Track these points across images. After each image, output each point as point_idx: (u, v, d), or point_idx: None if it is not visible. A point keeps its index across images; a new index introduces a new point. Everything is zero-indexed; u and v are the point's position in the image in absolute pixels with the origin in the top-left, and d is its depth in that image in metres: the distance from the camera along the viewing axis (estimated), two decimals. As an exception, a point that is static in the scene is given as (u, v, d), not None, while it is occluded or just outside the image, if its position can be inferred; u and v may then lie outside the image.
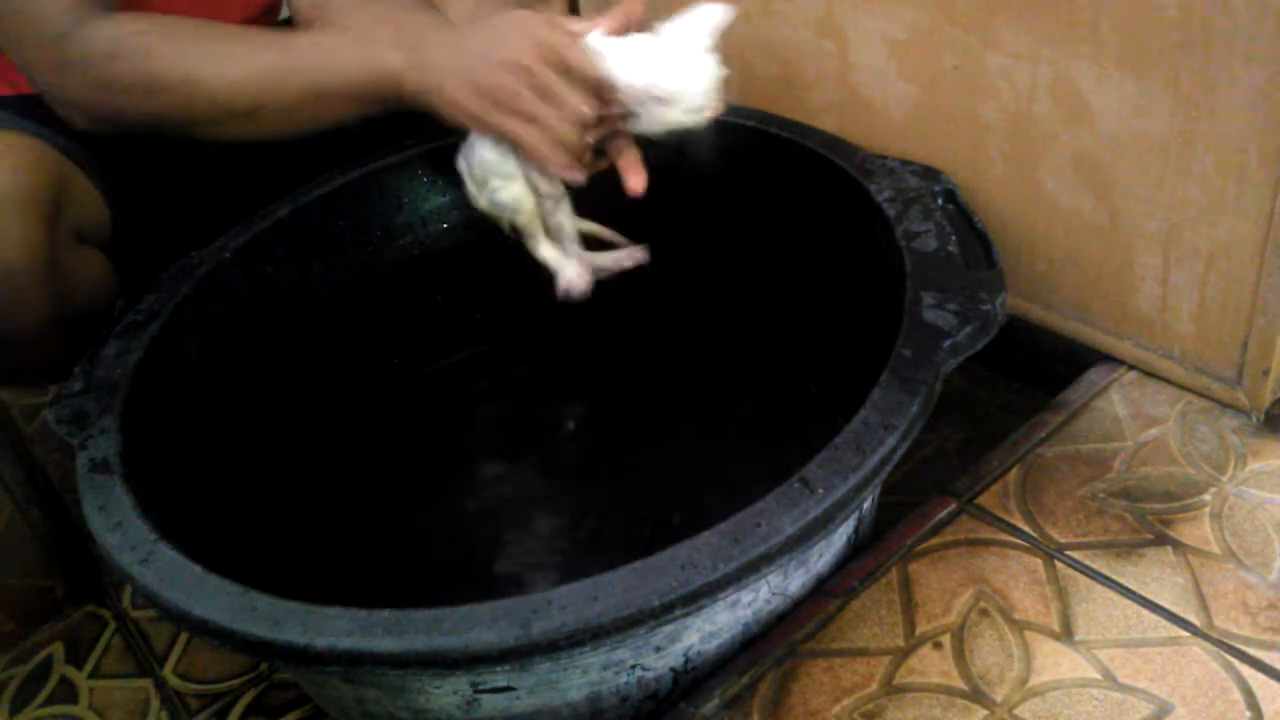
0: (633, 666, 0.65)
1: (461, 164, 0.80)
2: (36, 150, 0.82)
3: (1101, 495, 0.78)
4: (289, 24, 1.01)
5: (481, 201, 0.81)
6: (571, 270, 0.83)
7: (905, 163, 0.87)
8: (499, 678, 0.63)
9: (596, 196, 0.83)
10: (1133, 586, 0.72)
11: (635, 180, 0.78)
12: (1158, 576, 0.72)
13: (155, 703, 0.90)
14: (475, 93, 0.75)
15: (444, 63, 0.76)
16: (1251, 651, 0.67)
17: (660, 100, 0.72)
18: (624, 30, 0.77)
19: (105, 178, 0.89)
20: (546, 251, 0.82)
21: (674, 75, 0.72)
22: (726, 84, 0.75)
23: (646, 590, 0.58)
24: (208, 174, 1.00)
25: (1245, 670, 0.66)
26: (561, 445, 1.02)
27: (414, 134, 0.97)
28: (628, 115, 0.75)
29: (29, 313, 0.81)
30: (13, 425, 0.98)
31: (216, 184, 1.00)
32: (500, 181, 0.78)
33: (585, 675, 0.64)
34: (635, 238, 0.93)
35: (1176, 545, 0.74)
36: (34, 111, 0.86)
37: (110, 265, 0.90)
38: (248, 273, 0.91)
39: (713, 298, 1.05)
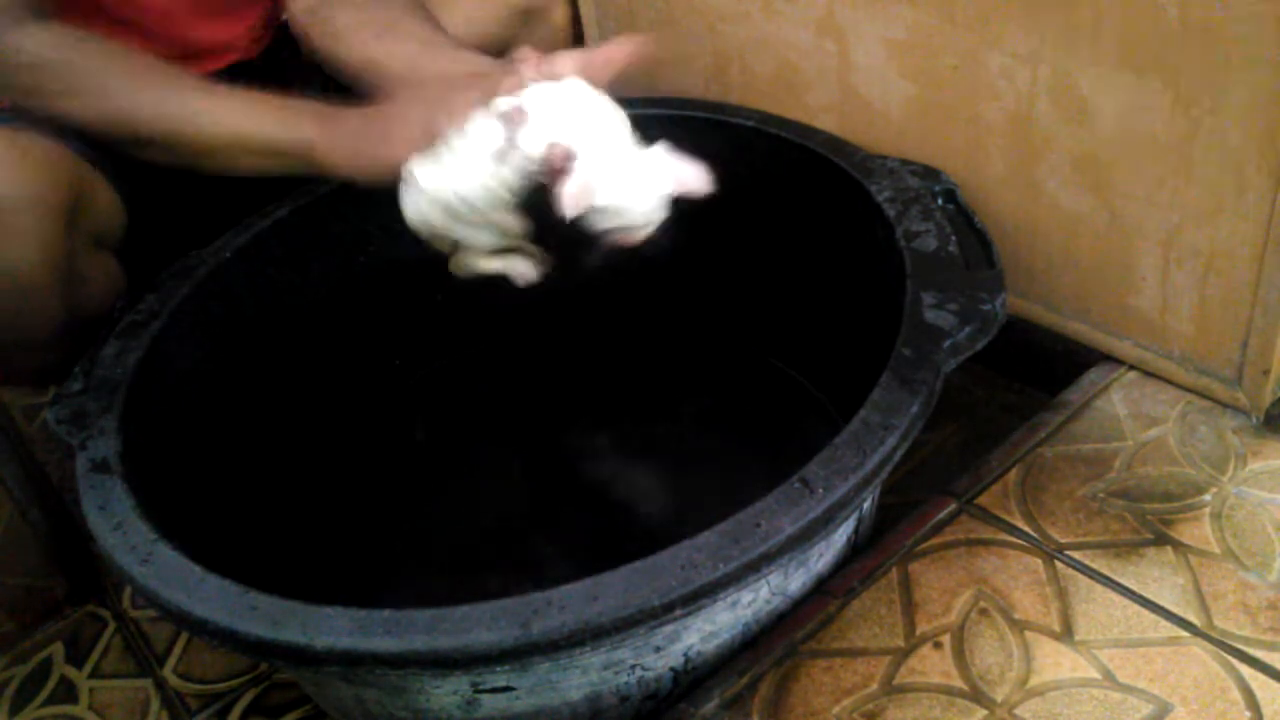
0: (633, 666, 0.65)
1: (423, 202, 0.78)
2: (57, 154, 0.82)
3: (1101, 495, 0.78)
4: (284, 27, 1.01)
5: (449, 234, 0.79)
6: (520, 265, 0.81)
7: (905, 163, 0.87)
8: (499, 678, 0.63)
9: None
10: (1133, 586, 0.72)
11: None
12: (1158, 576, 0.72)
13: (155, 703, 0.90)
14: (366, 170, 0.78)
15: (345, 141, 0.79)
16: (1251, 651, 0.67)
17: (610, 214, 0.72)
18: (602, 69, 0.76)
19: (123, 182, 0.89)
20: (491, 264, 0.81)
21: (632, 198, 0.71)
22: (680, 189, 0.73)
23: (646, 590, 0.58)
24: (214, 177, 0.99)
25: (1245, 670, 0.66)
26: (561, 445, 1.02)
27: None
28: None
29: (45, 317, 0.81)
30: (13, 425, 0.98)
31: (217, 183, 1.00)
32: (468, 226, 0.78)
33: (585, 675, 0.64)
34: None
35: (1176, 545, 0.74)
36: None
37: (120, 268, 0.90)
38: (248, 273, 0.91)
39: (713, 298, 1.05)
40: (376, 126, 0.78)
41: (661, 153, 0.72)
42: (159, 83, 0.82)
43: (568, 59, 0.74)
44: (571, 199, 0.69)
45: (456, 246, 0.79)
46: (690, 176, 0.72)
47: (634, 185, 0.71)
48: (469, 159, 0.73)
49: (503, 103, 0.72)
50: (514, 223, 0.76)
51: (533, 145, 0.71)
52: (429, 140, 0.74)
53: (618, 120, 0.73)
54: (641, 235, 0.73)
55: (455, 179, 0.74)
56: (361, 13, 0.89)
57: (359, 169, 0.78)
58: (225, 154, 0.82)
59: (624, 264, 1.04)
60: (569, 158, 0.70)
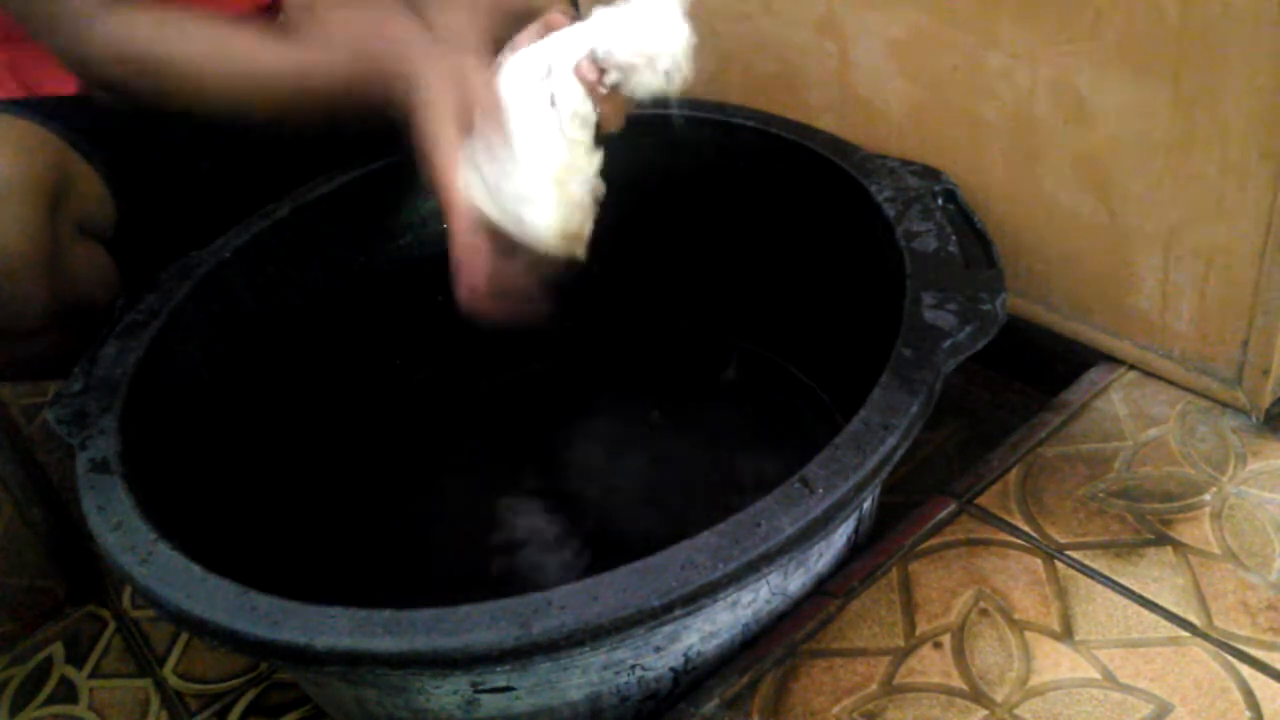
0: (633, 666, 0.65)
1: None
2: (40, 137, 0.82)
3: (1101, 495, 0.78)
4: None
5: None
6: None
7: (905, 163, 0.87)
8: (499, 678, 0.63)
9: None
10: (1133, 586, 0.72)
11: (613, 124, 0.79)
12: (1158, 576, 0.72)
13: (155, 703, 0.90)
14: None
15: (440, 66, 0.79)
16: (1251, 651, 0.67)
17: (638, 65, 0.74)
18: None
19: (111, 172, 0.89)
20: (571, 237, 0.82)
21: (649, 41, 0.74)
22: (699, 53, 0.76)
23: (646, 590, 0.58)
24: (209, 173, 0.99)
25: (1245, 670, 0.66)
26: (562, 445, 1.02)
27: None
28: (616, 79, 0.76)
29: (27, 303, 0.81)
30: (13, 425, 0.98)
31: (217, 183, 1.00)
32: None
33: (585, 675, 0.64)
34: (635, 238, 0.93)
35: (1176, 545, 0.74)
36: (46, 109, 0.86)
37: (112, 261, 0.90)
38: (248, 273, 0.91)
39: (713, 298, 1.05)
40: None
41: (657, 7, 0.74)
42: (250, 41, 0.84)
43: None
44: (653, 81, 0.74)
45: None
46: None
47: (655, 28, 0.74)
48: (535, 136, 0.75)
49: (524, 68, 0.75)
50: (579, 179, 0.78)
51: (567, 83, 0.74)
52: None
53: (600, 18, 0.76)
54: (678, 81, 0.75)
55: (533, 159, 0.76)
56: (351, 14, 0.89)
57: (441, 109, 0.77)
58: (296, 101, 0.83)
59: (624, 264, 1.04)
60: (593, 64, 0.73)
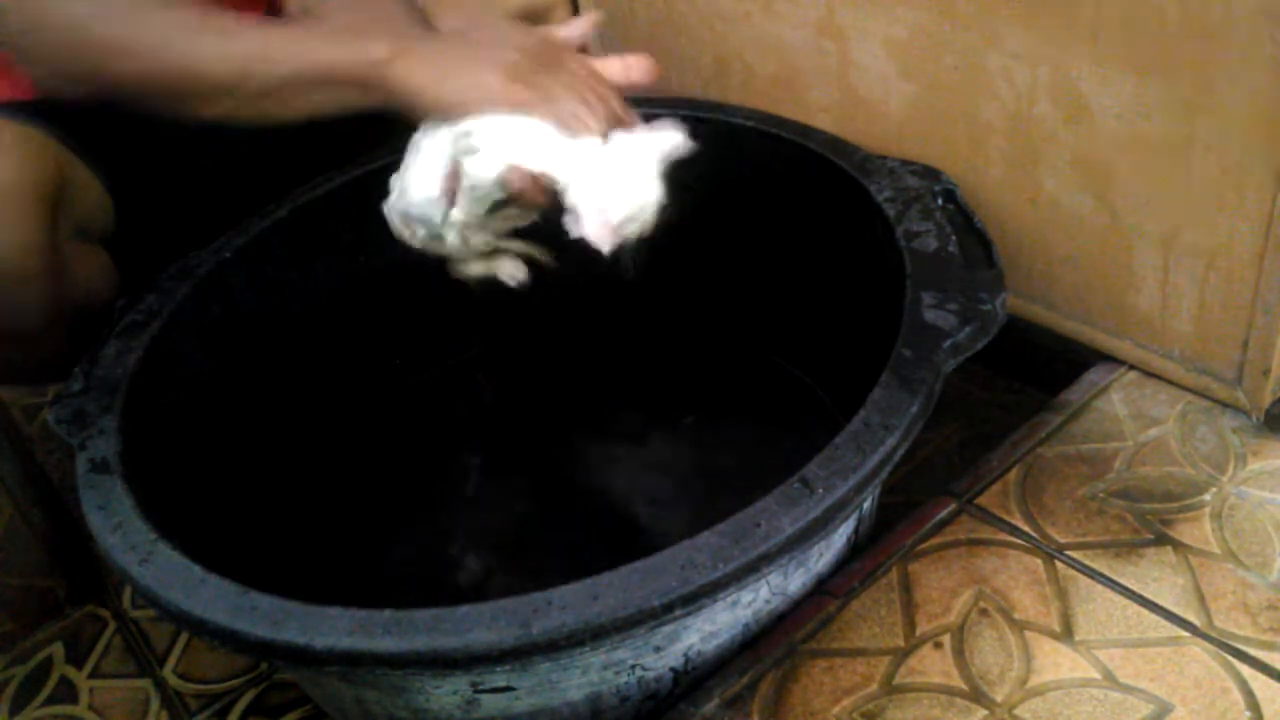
0: (633, 666, 0.65)
1: (403, 205, 0.75)
2: (38, 141, 0.82)
3: (1101, 495, 0.78)
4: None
5: (419, 238, 0.77)
6: (507, 267, 0.80)
7: (905, 163, 0.87)
8: (499, 678, 0.63)
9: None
10: (1133, 586, 0.72)
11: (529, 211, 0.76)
12: (1158, 576, 0.72)
13: (155, 703, 0.90)
14: (487, 72, 0.72)
15: (437, 56, 0.74)
16: (1251, 651, 0.67)
17: (592, 215, 0.69)
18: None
19: (108, 173, 0.89)
20: (475, 269, 0.80)
21: (622, 204, 0.69)
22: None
23: (646, 590, 0.58)
24: (209, 173, 0.99)
25: (1245, 670, 0.66)
26: (562, 445, 1.02)
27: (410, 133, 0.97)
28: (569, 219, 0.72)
29: (27, 307, 0.81)
30: (13, 425, 0.98)
31: (217, 183, 1.00)
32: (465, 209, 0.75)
33: (585, 675, 0.64)
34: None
35: (1176, 545, 0.74)
36: (43, 111, 0.86)
37: (111, 262, 0.90)
38: (248, 273, 0.91)
39: (713, 298, 1.05)
40: (465, 50, 0.73)
41: (628, 138, 0.71)
42: (215, 26, 0.76)
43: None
44: (600, 235, 0.69)
45: (444, 252, 0.78)
46: (668, 142, 0.71)
47: (631, 184, 0.70)
48: (422, 177, 0.72)
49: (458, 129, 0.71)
50: (482, 235, 0.75)
51: (484, 169, 0.69)
52: (521, 75, 0.71)
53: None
54: (650, 226, 0.72)
55: (409, 196, 0.73)
56: (351, 12, 0.89)
57: (443, 95, 0.72)
58: (290, 90, 0.75)
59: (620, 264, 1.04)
60: (528, 179, 0.69)
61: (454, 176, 0.72)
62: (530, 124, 0.71)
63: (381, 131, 0.89)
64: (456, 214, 0.73)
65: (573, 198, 0.70)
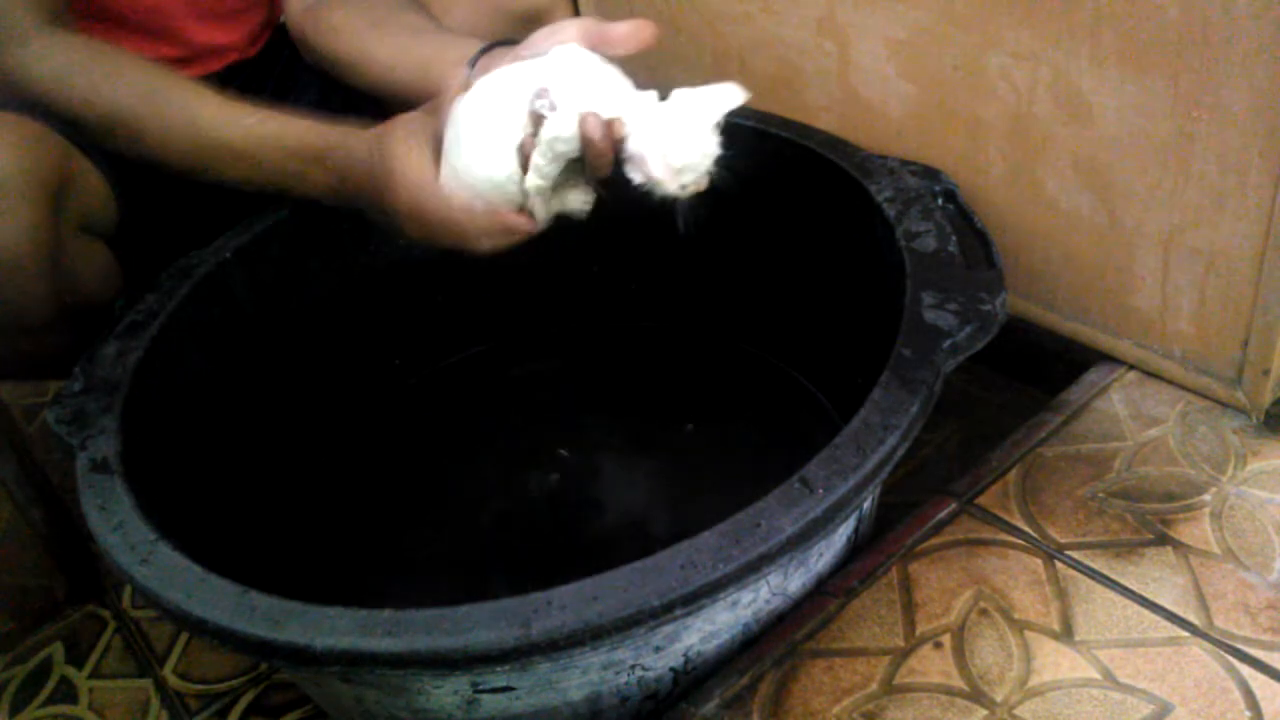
0: (633, 666, 0.65)
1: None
2: (42, 135, 0.82)
3: (1101, 495, 0.78)
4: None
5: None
6: (577, 198, 0.80)
7: (905, 163, 0.87)
8: (499, 678, 0.63)
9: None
10: (1133, 586, 0.72)
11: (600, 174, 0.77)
12: (1158, 576, 0.72)
13: (155, 703, 0.90)
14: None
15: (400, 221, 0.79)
16: (1251, 651, 0.67)
17: (656, 164, 0.71)
18: (626, 44, 0.76)
19: (112, 170, 0.89)
20: (550, 206, 0.80)
21: (676, 145, 0.71)
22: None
23: (646, 590, 0.58)
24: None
25: (1245, 670, 0.66)
26: (561, 445, 1.02)
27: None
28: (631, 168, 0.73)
29: (29, 299, 0.81)
30: (13, 425, 0.98)
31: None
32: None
33: (585, 675, 0.64)
34: (635, 238, 0.93)
35: (1176, 545, 0.74)
36: None
37: (115, 258, 0.90)
38: (248, 273, 0.91)
39: (712, 298, 1.05)
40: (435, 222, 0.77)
41: (687, 92, 0.72)
42: (179, 100, 0.82)
43: (571, 26, 0.74)
44: (663, 177, 0.70)
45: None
46: (723, 96, 0.71)
47: (690, 133, 0.71)
48: (489, 150, 0.73)
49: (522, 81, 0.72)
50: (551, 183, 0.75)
51: (565, 126, 0.70)
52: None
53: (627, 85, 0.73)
54: (707, 182, 0.73)
55: (478, 173, 0.73)
56: (355, 9, 0.90)
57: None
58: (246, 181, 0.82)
59: (620, 264, 1.04)
60: (605, 126, 0.70)
61: (529, 142, 0.73)
62: (599, 70, 0.72)
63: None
64: (533, 179, 0.73)
65: (635, 143, 0.71)
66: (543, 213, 0.76)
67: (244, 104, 0.82)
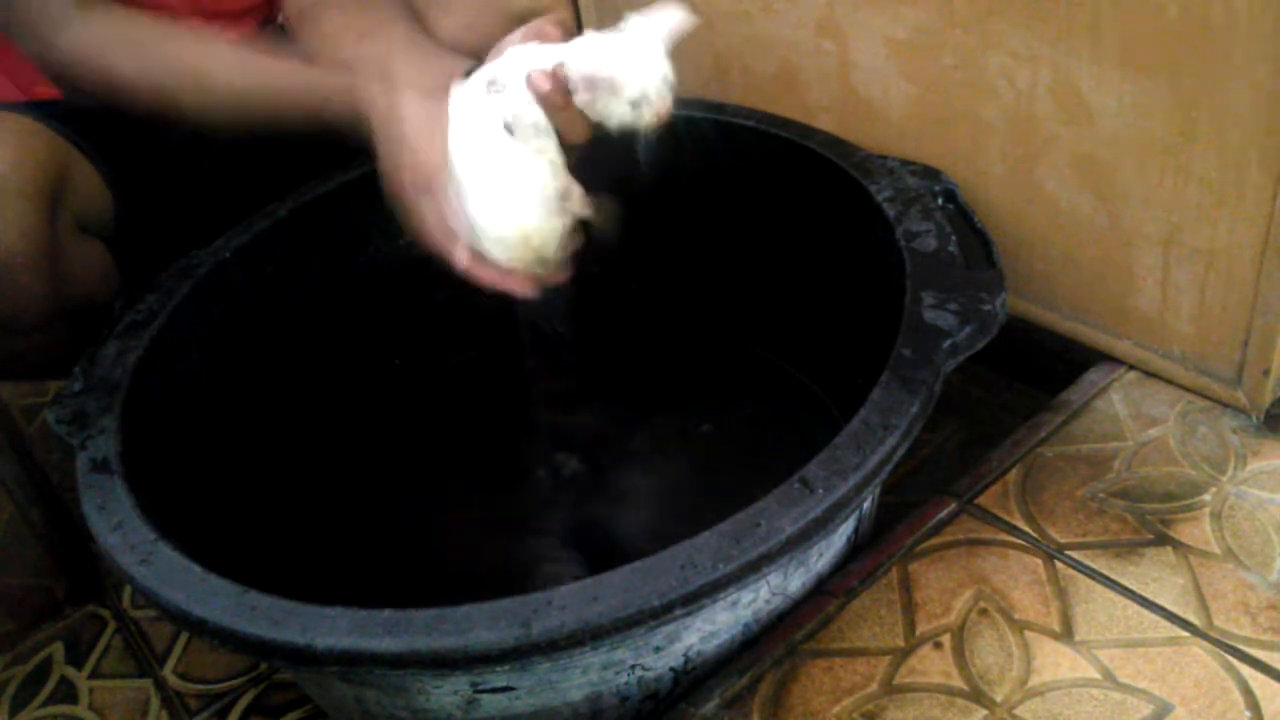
0: (633, 666, 0.65)
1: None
2: (39, 134, 0.82)
3: (1101, 495, 0.78)
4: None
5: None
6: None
7: (905, 163, 0.87)
8: (499, 678, 0.63)
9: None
10: (1133, 586, 0.72)
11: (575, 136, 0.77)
12: (1158, 576, 0.72)
13: (155, 703, 0.90)
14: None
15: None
16: (1251, 651, 0.67)
17: (603, 87, 0.71)
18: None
19: (111, 169, 0.89)
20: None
21: (619, 65, 0.70)
22: (680, 85, 0.73)
23: (646, 590, 0.58)
24: (210, 171, 1.00)
25: (1245, 670, 0.66)
26: (562, 445, 1.02)
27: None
28: (583, 100, 0.73)
29: (27, 299, 0.81)
30: (13, 425, 0.98)
31: (218, 182, 1.00)
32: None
33: (585, 675, 0.64)
34: (635, 238, 0.92)
35: (1176, 545, 0.74)
36: (46, 108, 0.86)
37: (112, 259, 0.90)
38: (248, 273, 0.91)
39: (713, 298, 1.05)
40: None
41: (632, 21, 0.71)
42: (227, 53, 0.83)
43: (520, 31, 0.75)
44: (613, 109, 0.70)
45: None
46: (670, 20, 0.71)
47: (629, 54, 0.70)
48: (517, 201, 0.73)
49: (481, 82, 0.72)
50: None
51: (515, 94, 0.71)
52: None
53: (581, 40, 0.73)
54: (665, 106, 0.72)
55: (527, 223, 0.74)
56: (348, 17, 0.89)
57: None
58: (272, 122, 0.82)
59: (621, 265, 1.04)
60: (548, 76, 0.70)
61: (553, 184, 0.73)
62: (547, 49, 0.73)
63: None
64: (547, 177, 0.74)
65: (584, 79, 0.71)
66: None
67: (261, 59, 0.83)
